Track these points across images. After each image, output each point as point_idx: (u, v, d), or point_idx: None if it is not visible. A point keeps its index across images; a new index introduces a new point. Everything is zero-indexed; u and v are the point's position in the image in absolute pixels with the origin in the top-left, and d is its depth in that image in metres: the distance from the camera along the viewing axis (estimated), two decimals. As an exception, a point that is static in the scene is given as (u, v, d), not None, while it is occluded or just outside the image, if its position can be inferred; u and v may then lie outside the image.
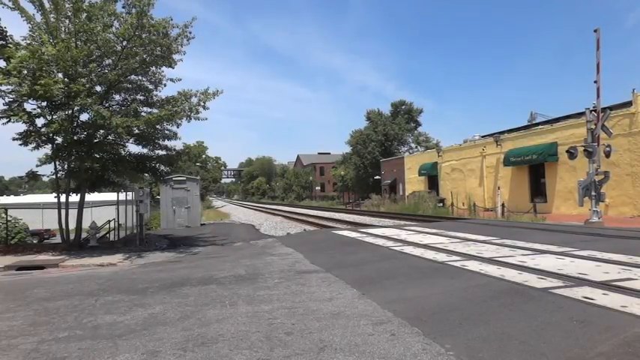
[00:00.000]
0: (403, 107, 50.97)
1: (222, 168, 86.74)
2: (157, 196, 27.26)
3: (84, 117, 12.13)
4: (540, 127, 24.26)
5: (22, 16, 11.41)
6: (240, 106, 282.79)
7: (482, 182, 26.72)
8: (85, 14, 11.22)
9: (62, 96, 10.82)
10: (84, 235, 13.40)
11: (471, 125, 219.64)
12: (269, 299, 4.92)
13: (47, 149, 12.41)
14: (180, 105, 12.24)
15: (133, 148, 13.47)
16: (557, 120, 24.79)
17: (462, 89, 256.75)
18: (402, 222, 19.69)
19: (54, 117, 11.42)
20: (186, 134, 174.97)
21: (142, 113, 12.28)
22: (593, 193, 14.13)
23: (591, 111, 14.62)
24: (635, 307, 3.97)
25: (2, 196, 44.94)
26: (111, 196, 17.81)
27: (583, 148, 14.45)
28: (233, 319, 4.16)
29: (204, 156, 62.11)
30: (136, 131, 12.00)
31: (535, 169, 23.18)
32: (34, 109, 11.53)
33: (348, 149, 52.27)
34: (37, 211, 26.54)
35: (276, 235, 16.52)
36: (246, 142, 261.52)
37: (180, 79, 13.27)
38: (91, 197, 14.32)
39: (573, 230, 11.38)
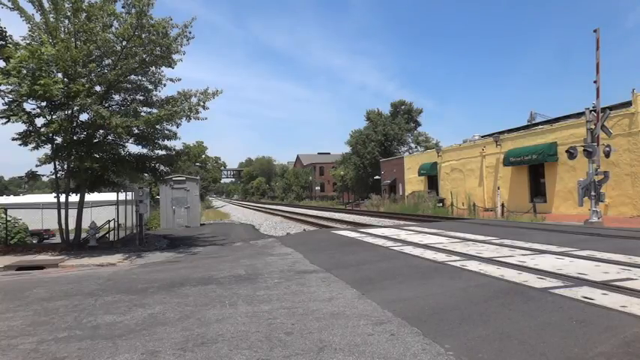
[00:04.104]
0: (403, 107, 50.97)
1: (222, 168, 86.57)
2: (157, 196, 27.24)
3: (83, 117, 12.16)
4: (540, 127, 24.26)
5: (21, 16, 11.42)
6: (241, 106, 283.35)
7: (481, 182, 26.72)
8: (85, 14, 11.23)
9: (62, 96, 10.81)
10: (83, 235, 13.39)
11: (471, 125, 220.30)
12: (269, 299, 4.92)
13: (47, 149, 12.42)
14: (179, 105, 12.24)
15: (133, 148, 13.48)
16: (557, 120, 24.81)
17: (462, 89, 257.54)
18: (402, 222, 19.69)
19: (53, 117, 11.42)
20: (186, 134, 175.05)
21: (142, 113, 12.29)
22: (592, 193, 14.13)
23: (591, 111, 14.60)
24: (635, 307, 3.97)
25: (2, 196, 44.90)
26: (111, 196, 17.78)
27: (583, 148, 14.44)
28: (233, 319, 4.16)
29: (203, 156, 61.97)
30: (136, 131, 12.01)
31: (535, 169, 23.17)
32: (34, 109, 11.54)
33: (348, 149, 52.27)
34: (37, 211, 26.53)
35: (275, 235, 16.51)
36: (246, 142, 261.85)
37: (179, 79, 13.31)
38: (90, 197, 14.31)
39: (573, 230, 11.38)
